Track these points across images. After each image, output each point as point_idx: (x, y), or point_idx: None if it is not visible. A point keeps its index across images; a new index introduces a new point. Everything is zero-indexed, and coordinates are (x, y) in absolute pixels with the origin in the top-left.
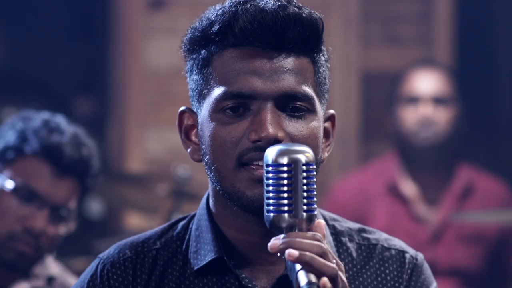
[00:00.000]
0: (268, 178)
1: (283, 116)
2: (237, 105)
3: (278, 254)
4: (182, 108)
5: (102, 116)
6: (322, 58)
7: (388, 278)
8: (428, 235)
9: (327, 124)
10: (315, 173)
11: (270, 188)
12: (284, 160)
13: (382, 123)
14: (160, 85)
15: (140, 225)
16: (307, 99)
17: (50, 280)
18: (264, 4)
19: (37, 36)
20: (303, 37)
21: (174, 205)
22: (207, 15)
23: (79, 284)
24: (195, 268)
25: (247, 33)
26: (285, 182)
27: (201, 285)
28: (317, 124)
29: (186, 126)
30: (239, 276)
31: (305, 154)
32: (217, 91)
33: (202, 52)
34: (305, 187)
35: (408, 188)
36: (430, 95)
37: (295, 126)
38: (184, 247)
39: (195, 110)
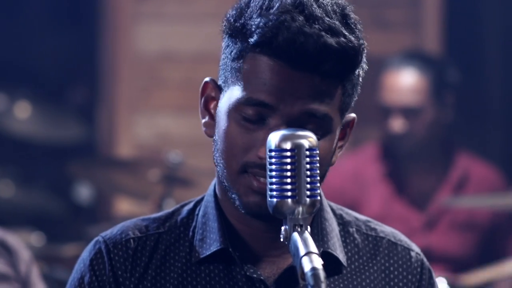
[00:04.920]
0: (271, 164)
1: None
2: (255, 113)
3: (282, 240)
4: (207, 78)
5: (92, 102)
6: (355, 76)
7: (393, 275)
8: (422, 222)
9: (347, 128)
10: (318, 158)
11: (273, 173)
12: (287, 145)
13: (371, 107)
14: (150, 70)
15: (131, 210)
16: (326, 120)
17: None
18: (309, 26)
19: (25, 23)
20: (338, 69)
21: (165, 190)
22: (251, 8)
23: (81, 262)
24: (201, 256)
25: (284, 51)
26: (288, 167)
27: (206, 273)
28: (331, 143)
29: (208, 96)
30: (244, 267)
31: (308, 139)
32: (241, 92)
33: (238, 44)
34: (308, 172)
35: (400, 175)
36: (400, 107)
37: None
38: (190, 233)
39: (220, 86)
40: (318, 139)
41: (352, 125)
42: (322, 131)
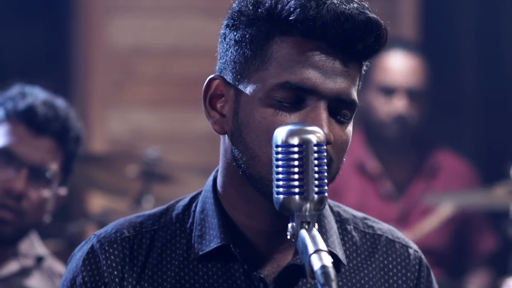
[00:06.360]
0: (277, 159)
1: (331, 120)
2: (293, 96)
3: (288, 237)
4: (212, 75)
5: (63, 96)
6: (365, 67)
7: (391, 273)
8: (396, 214)
9: None
10: (325, 153)
11: (280, 169)
12: (295, 141)
13: None
14: (123, 64)
15: (106, 206)
16: (354, 106)
17: (40, 259)
18: (346, 4)
19: None
20: (372, 49)
21: (144, 186)
22: None
23: (73, 261)
24: (200, 253)
25: (327, 30)
26: (296, 163)
27: (205, 271)
28: (351, 129)
29: (213, 93)
30: (244, 264)
31: (316, 134)
32: (276, 77)
33: (262, 29)
34: (316, 168)
35: (375, 166)
36: (406, 87)
37: (336, 130)
38: (188, 230)
39: (230, 81)
40: (346, 122)
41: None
42: (349, 117)
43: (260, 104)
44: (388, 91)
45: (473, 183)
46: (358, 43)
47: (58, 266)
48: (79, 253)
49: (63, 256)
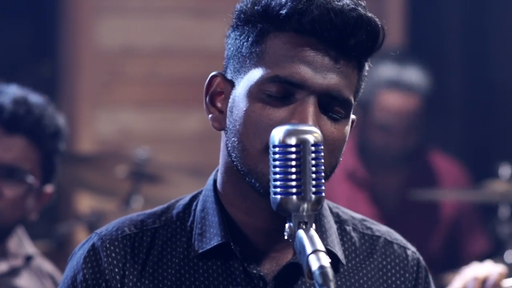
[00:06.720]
0: (274, 160)
1: (321, 115)
2: (282, 90)
3: (286, 237)
4: (214, 72)
5: (51, 96)
6: (367, 67)
7: (390, 274)
8: (385, 220)
9: None
10: (323, 153)
11: (277, 169)
12: (292, 141)
13: None
14: (111, 65)
15: (95, 207)
16: (347, 105)
17: (28, 259)
18: (338, 2)
19: None
20: (364, 46)
21: (132, 187)
22: None
23: (74, 259)
24: (200, 251)
25: (317, 25)
26: (293, 163)
27: (205, 268)
28: (347, 129)
29: (214, 91)
30: (244, 262)
31: (313, 134)
32: (266, 71)
33: (258, 26)
34: (313, 168)
35: (365, 174)
36: (404, 125)
37: (328, 127)
38: (188, 228)
39: (229, 78)
40: (339, 120)
41: (352, 126)
42: (342, 115)
43: (251, 98)
44: (385, 128)
45: (464, 185)
46: (349, 38)
47: (46, 266)
48: (80, 251)
49: (53, 256)
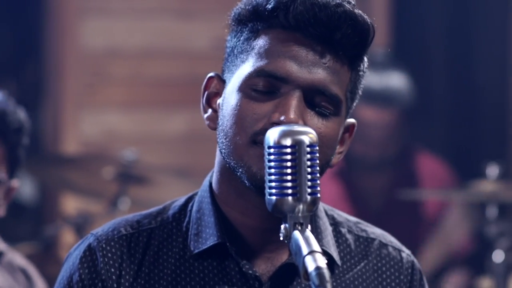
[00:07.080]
0: (270, 161)
1: (308, 110)
2: (267, 85)
3: (281, 238)
4: (211, 73)
5: (36, 97)
6: (361, 66)
7: (384, 276)
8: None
9: (346, 133)
10: (318, 154)
11: (272, 170)
12: (288, 142)
13: None
14: (95, 66)
15: (80, 209)
16: (335, 101)
17: (0, 255)
18: None
19: None
20: (351, 41)
21: (120, 188)
22: None
23: (70, 259)
24: (196, 251)
25: (301, 20)
26: (289, 164)
27: (201, 269)
28: (337, 127)
29: (211, 92)
30: (239, 263)
31: (308, 135)
32: (252, 66)
33: (249, 25)
34: (309, 169)
35: (351, 174)
36: (381, 137)
37: (315, 122)
38: (184, 229)
39: (224, 78)
40: (327, 116)
41: (352, 131)
42: (331, 111)
43: (238, 93)
44: (362, 140)
45: (451, 185)
46: (334, 33)
47: (18, 259)
48: (76, 251)
49: (39, 258)
